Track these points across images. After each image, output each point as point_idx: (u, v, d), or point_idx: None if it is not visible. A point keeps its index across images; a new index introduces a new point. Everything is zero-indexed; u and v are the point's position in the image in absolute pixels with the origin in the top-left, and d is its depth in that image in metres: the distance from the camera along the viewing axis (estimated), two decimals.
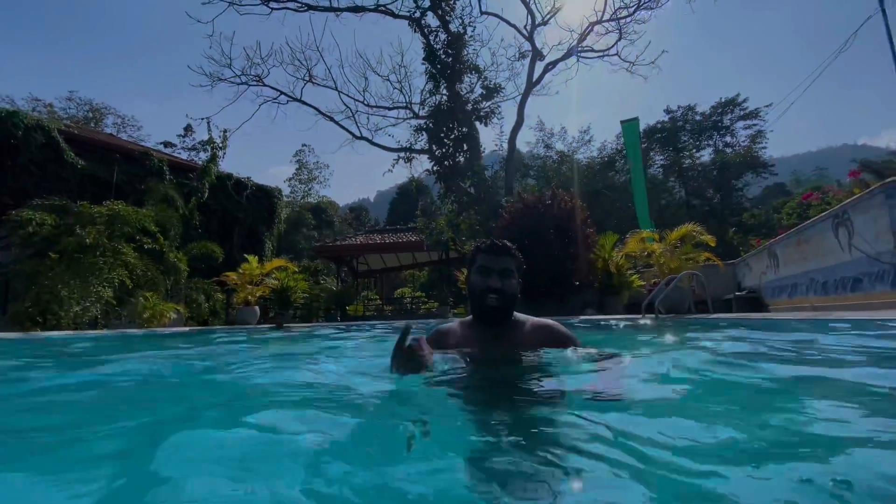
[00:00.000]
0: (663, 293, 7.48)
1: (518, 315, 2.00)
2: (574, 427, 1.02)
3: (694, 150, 25.88)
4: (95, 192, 11.66)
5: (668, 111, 27.00)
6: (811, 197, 8.85)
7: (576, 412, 1.12)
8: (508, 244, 1.95)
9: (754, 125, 24.92)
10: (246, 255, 11.27)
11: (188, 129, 23.64)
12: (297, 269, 12.51)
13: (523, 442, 0.93)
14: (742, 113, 25.07)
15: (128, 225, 10.75)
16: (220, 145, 14.40)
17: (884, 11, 10.55)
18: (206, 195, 14.20)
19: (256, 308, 10.91)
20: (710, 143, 26.18)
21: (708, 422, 1.03)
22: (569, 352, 1.83)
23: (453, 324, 2.10)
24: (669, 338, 3.70)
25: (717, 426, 0.98)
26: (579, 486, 0.72)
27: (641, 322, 6.11)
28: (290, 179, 39.08)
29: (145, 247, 11.15)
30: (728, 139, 25.96)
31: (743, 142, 25.21)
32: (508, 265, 1.90)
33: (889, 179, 5.58)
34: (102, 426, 1.14)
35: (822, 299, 8.02)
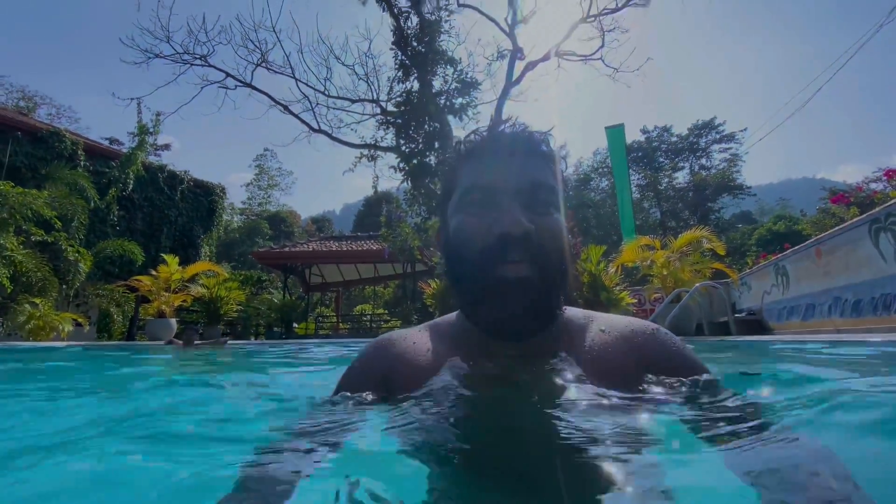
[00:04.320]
0: (675, 309, 6.06)
1: (570, 309, 0.84)
2: None
3: (671, 171, 25.58)
4: None
5: (644, 131, 26.76)
6: (840, 200, 7.69)
7: None
8: (535, 130, 0.80)
9: (729, 148, 24.87)
10: (164, 256, 9.22)
11: (139, 126, 21.29)
12: (229, 276, 10.49)
13: None
14: (718, 136, 25.02)
15: (13, 210, 8.55)
16: (152, 130, 12.36)
17: None
18: (131, 187, 12.06)
19: (172, 321, 8.83)
20: (686, 164, 26.00)
21: None
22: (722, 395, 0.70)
23: (418, 333, 0.90)
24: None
25: None
26: None
27: None
28: (248, 185, 36.64)
29: (34, 239, 8.94)
30: (704, 161, 25.83)
31: (718, 165, 25.12)
32: (543, 175, 0.77)
33: None
34: None
35: (852, 322, 6.74)
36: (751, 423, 0.62)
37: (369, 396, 0.79)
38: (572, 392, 0.69)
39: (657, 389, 0.73)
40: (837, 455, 0.51)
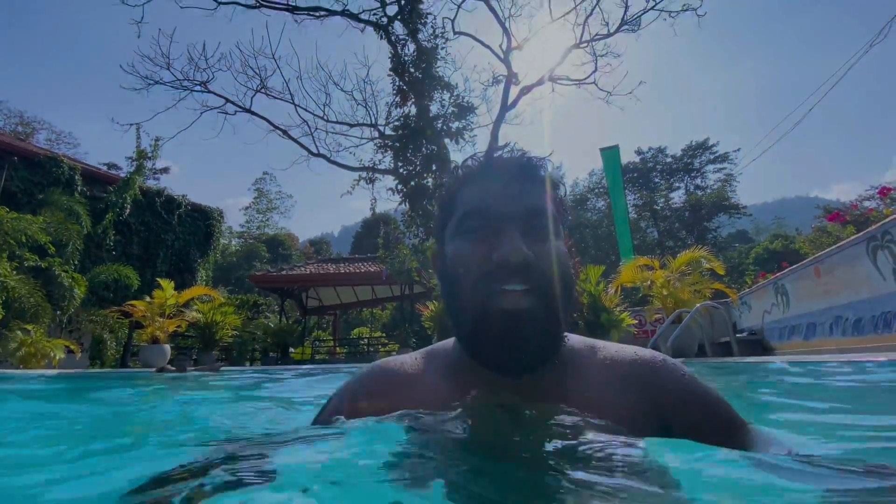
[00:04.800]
0: (677, 330, 5.98)
1: (573, 337, 0.79)
2: None
3: (667, 192, 25.80)
4: None
5: (639, 152, 27.11)
6: (836, 218, 7.71)
7: None
8: (534, 156, 0.78)
9: (723, 168, 25.17)
10: (159, 280, 9.12)
11: (138, 151, 21.48)
12: (225, 300, 10.38)
13: None
14: (712, 157, 25.34)
15: (7, 235, 8.50)
16: (150, 155, 12.42)
17: None
18: (128, 212, 12.05)
19: (166, 347, 8.66)
20: (681, 184, 26.24)
21: None
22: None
23: (415, 357, 0.85)
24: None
25: None
26: None
27: None
28: (246, 208, 36.72)
29: (27, 264, 8.86)
30: (699, 181, 26.09)
31: (713, 184, 25.36)
32: (541, 201, 0.74)
33: None
34: None
35: (853, 341, 6.69)
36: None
37: (356, 423, 0.73)
38: (574, 433, 0.64)
39: (667, 430, 0.68)
40: None
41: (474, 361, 0.74)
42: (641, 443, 0.61)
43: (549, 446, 0.62)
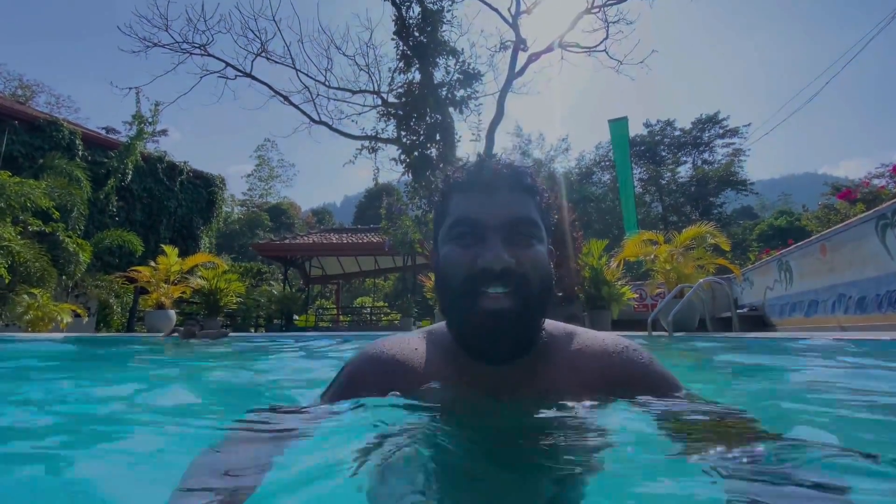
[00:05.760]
0: (678, 305, 6.00)
1: (551, 326, 0.91)
2: None
3: (673, 166, 25.38)
4: None
5: (647, 125, 26.53)
6: (847, 195, 7.59)
7: None
8: (519, 165, 0.87)
9: (732, 143, 24.65)
10: (163, 247, 9.14)
11: (137, 116, 21.13)
12: (229, 267, 10.42)
13: None
14: (721, 131, 24.77)
15: (10, 200, 8.47)
16: (150, 120, 12.23)
17: None
18: (129, 178, 11.96)
19: (171, 312, 8.78)
20: (689, 158, 25.79)
21: None
22: (686, 406, 0.80)
23: (414, 340, 0.95)
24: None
25: None
26: None
27: (666, 341, 4.57)
28: (248, 175, 36.40)
29: (31, 229, 8.87)
30: (706, 156, 25.63)
31: (721, 159, 24.89)
32: (524, 210, 0.84)
33: None
34: None
35: (856, 318, 6.72)
36: (724, 444, 0.65)
37: (361, 401, 0.84)
38: (548, 410, 0.79)
39: (627, 406, 0.80)
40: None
41: (465, 352, 0.84)
42: (595, 414, 0.78)
43: (526, 431, 0.75)
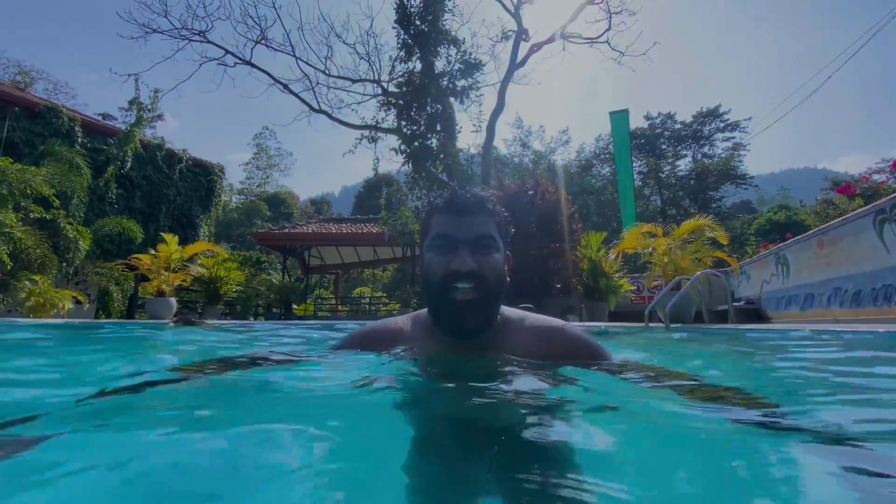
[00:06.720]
0: (675, 297, 6.04)
1: (507, 311, 1.26)
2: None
3: (673, 159, 25.30)
4: None
5: (647, 117, 26.40)
6: (846, 190, 7.62)
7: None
8: (482, 193, 1.22)
9: (732, 137, 24.55)
10: (163, 235, 9.15)
11: (136, 103, 20.95)
12: (228, 256, 10.44)
13: None
14: (722, 125, 24.67)
15: (11, 186, 8.45)
16: (150, 107, 12.16)
17: None
18: (129, 165, 11.92)
19: (172, 300, 8.81)
20: (689, 152, 25.70)
21: None
22: (600, 371, 1.11)
23: (400, 321, 1.33)
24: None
25: None
26: None
27: (667, 333, 4.60)
28: (246, 164, 36.20)
29: (32, 216, 8.86)
30: (706, 149, 25.53)
31: (721, 153, 24.81)
32: (485, 228, 1.16)
33: None
34: None
35: (852, 312, 6.77)
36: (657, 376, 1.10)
37: (359, 354, 1.24)
38: (503, 373, 1.08)
39: (562, 371, 1.08)
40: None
41: (441, 331, 1.17)
42: (543, 373, 1.05)
43: (484, 380, 1.02)
